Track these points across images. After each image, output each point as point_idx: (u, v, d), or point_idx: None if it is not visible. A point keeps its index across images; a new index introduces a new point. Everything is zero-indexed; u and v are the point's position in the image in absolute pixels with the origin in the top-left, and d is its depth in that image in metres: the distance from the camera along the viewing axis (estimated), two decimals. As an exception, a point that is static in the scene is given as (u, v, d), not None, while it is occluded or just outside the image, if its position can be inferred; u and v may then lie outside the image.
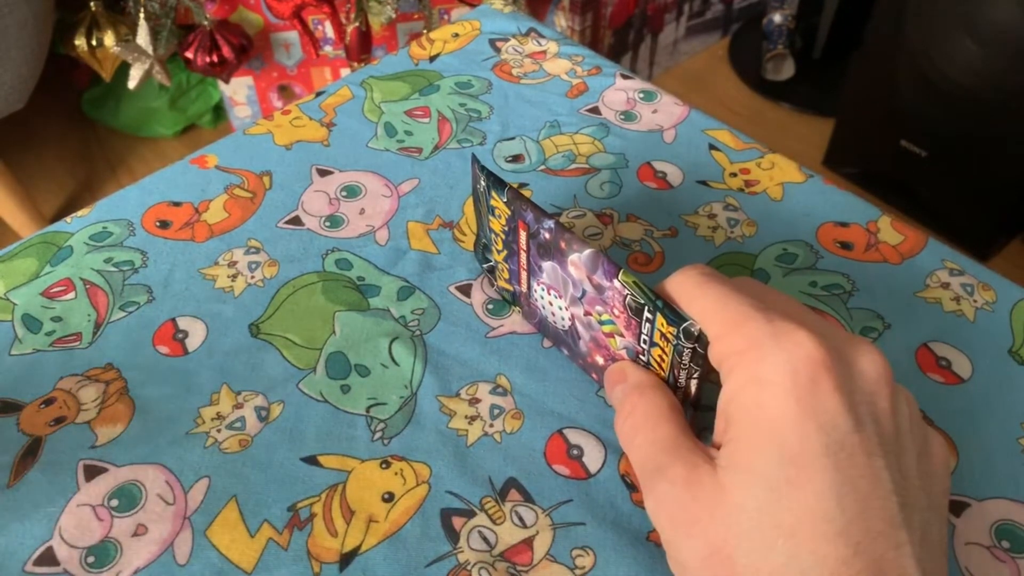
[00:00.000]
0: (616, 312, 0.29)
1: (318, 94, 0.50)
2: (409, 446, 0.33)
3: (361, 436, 0.33)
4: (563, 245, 0.30)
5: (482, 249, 0.37)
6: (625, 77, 0.50)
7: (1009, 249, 1.35)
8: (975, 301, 0.38)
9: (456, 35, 0.54)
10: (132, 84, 1.21)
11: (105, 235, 0.41)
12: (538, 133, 0.47)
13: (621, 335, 0.30)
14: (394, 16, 1.15)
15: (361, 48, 1.18)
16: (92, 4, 1.20)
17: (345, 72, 1.36)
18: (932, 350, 0.36)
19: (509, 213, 0.32)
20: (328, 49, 1.34)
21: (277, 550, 0.30)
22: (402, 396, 0.35)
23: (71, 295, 0.39)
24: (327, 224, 0.42)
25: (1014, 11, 1.06)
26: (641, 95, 0.49)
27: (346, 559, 0.30)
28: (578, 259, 0.29)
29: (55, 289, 0.39)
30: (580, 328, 0.32)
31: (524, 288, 0.35)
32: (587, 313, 0.31)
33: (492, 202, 0.33)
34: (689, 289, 0.27)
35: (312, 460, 0.33)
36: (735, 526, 0.23)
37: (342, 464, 0.33)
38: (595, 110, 0.48)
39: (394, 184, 0.44)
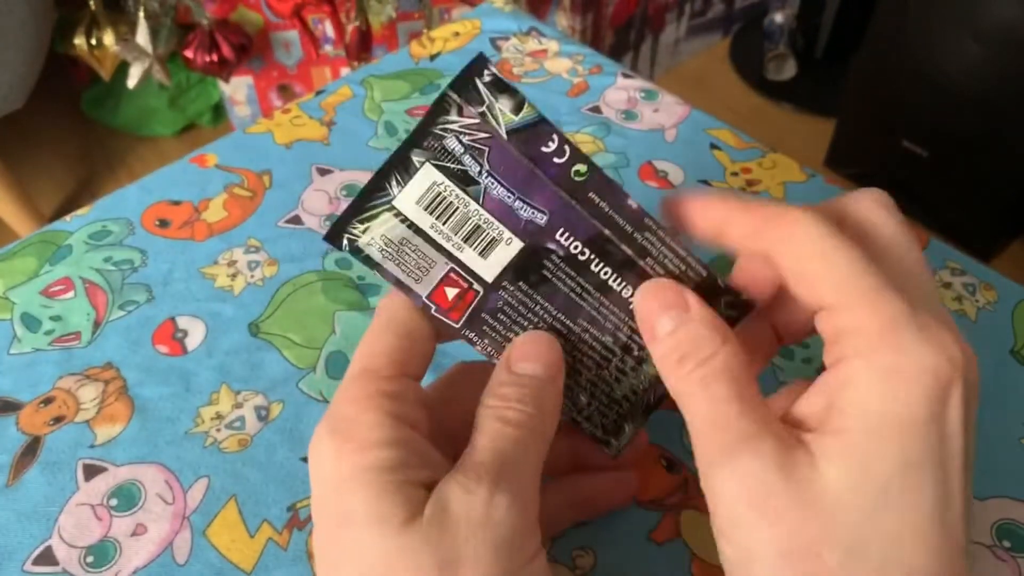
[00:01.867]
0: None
1: (318, 93, 0.50)
2: (409, 446, 0.33)
3: (361, 436, 0.33)
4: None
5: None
6: (626, 76, 0.50)
7: (1011, 250, 1.35)
8: (977, 301, 0.38)
9: (457, 34, 0.54)
10: (132, 83, 1.21)
11: (104, 234, 0.41)
12: (539, 132, 0.47)
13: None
14: (394, 15, 1.15)
15: (361, 47, 1.18)
16: (91, 3, 1.19)
17: (345, 71, 1.36)
18: (934, 350, 0.36)
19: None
20: (328, 48, 1.34)
21: (276, 550, 0.30)
22: (402, 396, 0.35)
23: (70, 294, 0.39)
24: (327, 223, 0.42)
25: (1016, 10, 1.06)
26: (642, 94, 0.49)
27: (346, 559, 0.30)
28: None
29: (54, 288, 0.39)
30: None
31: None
32: None
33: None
34: (814, 241, 0.23)
35: (312, 460, 0.33)
36: (834, 524, 0.21)
37: (342, 464, 0.32)
38: (596, 109, 0.48)
39: (394, 183, 0.44)
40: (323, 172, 0.45)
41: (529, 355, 0.25)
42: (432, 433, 0.25)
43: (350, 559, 0.22)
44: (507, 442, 0.24)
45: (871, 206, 0.25)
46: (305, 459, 0.33)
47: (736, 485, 0.22)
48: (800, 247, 0.23)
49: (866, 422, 0.21)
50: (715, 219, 0.25)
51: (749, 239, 0.25)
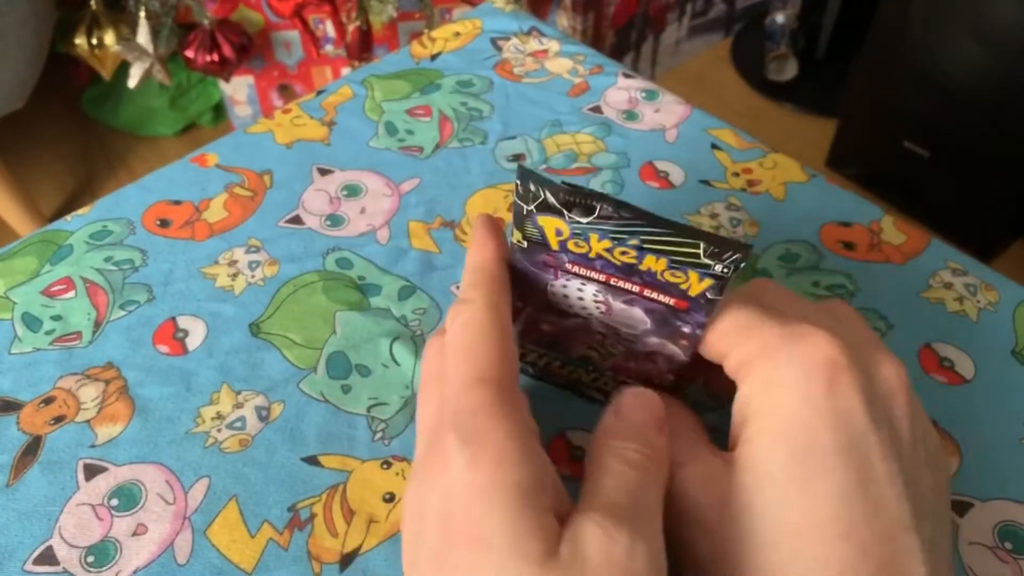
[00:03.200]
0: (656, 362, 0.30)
1: (319, 93, 0.50)
2: (410, 446, 0.33)
3: (362, 436, 0.33)
4: (684, 343, 0.28)
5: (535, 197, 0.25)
6: (627, 76, 0.50)
7: (1012, 250, 1.35)
8: (978, 301, 0.38)
9: (457, 34, 0.54)
10: (132, 83, 1.21)
11: (105, 234, 0.41)
12: (540, 132, 0.47)
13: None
14: (395, 15, 1.15)
15: (362, 47, 1.18)
16: (92, 3, 1.19)
17: (346, 71, 1.36)
18: (935, 350, 0.36)
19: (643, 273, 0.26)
20: (329, 48, 1.34)
21: (277, 550, 0.30)
22: (403, 396, 0.35)
23: (71, 294, 0.39)
24: (328, 223, 0.42)
25: (1017, 11, 1.06)
26: (643, 94, 0.49)
27: (347, 559, 0.30)
28: (667, 349, 0.28)
29: (55, 288, 0.39)
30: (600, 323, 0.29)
31: (557, 273, 0.27)
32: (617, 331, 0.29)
33: (622, 249, 0.25)
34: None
35: (313, 460, 0.33)
36: (742, 526, 0.23)
37: (343, 464, 0.32)
38: (597, 109, 0.48)
39: (395, 183, 0.44)
40: (324, 172, 0.45)
41: (636, 407, 0.26)
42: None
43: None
44: (634, 484, 0.23)
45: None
46: (305, 459, 0.33)
47: (669, 504, 0.25)
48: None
49: (758, 430, 0.24)
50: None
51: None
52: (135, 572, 0.29)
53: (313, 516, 0.31)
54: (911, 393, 0.25)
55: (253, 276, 0.39)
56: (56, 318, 0.38)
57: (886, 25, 1.23)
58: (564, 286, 0.28)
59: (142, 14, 1.15)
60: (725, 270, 0.24)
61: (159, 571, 0.29)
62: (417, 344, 0.36)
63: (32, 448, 0.33)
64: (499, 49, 0.53)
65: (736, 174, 0.44)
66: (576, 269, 0.27)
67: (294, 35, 1.33)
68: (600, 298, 0.27)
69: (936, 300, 0.38)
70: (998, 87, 1.12)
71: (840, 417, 0.22)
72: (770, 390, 0.24)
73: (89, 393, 0.35)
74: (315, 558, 0.30)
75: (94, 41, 1.21)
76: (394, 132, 0.47)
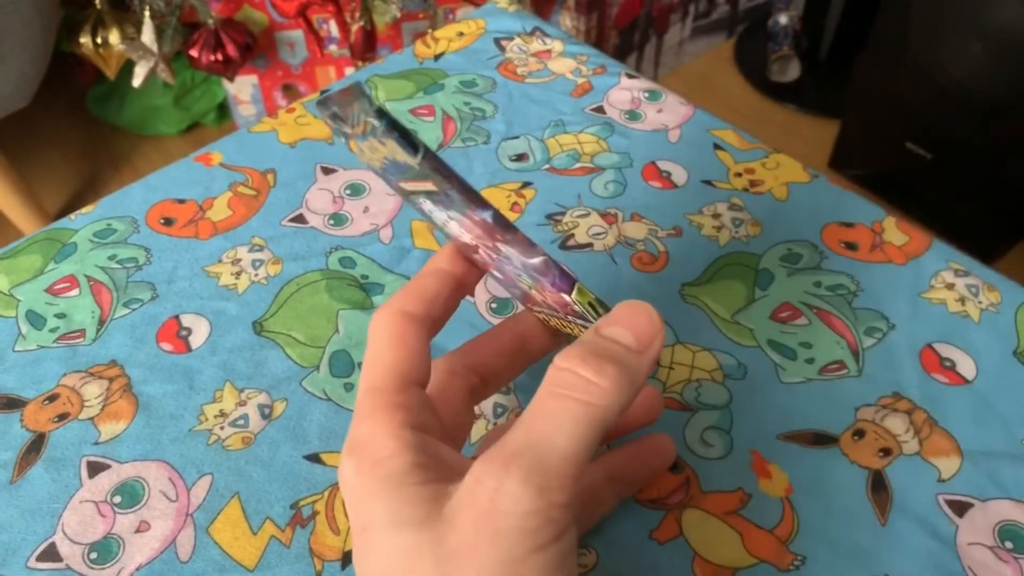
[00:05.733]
0: (548, 299, 0.26)
1: (322, 92, 0.50)
2: (412, 444, 0.33)
3: (364, 434, 0.33)
4: (498, 237, 0.24)
5: (331, 111, 0.23)
6: (630, 77, 0.50)
7: (1014, 252, 1.34)
8: (980, 302, 0.38)
9: (461, 34, 0.54)
10: (136, 82, 1.21)
11: (109, 232, 0.41)
12: (543, 132, 0.47)
13: (540, 295, 0.27)
14: (399, 15, 1.15)
15: (366, 47, 1.18)
16: (97, 2, 1.20)
17: (350, 71, 1.36)
18: (937, 351, 0.36)
19: (416, 170, 0.22)
20: (333, 48, 1.34)
21: (279, 548, 0.30)
22: (405, 394, 0.35)
23: (75, 292, 0.39)
24: (331, 222, 0.42)
25: (1019, 12, 1.05)
26: (646, 95, 0.49)
27: (348, 557, 0.30)
28: (516, 257, 0.25)
29: (59, 286, 0.39)
30: (483, 250, 0.27)
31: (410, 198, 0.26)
32: (505, 262, 0.26)
33: (379, 144, 0.22)
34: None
35: (315, 458, 0.33)
36: None
37: (345, 462, 0.33)
38: (600, 109, 0.48)
39: (398, 182, 0.44)
40: (327, 171, 0.45)
41: (621, 321, 0.23)
42: (446, 434, 0.25)
43: (366, 562, 0.22)
44: (547, 418, 0.21)
45: None
46: (307, 457, 0.33)
47: None
48: None
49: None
50: None
51: None
52: (138, 569, 0.30)
53: (315, 514, 0.31)
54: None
55: (256, 275, 0.39)
56: (60, 316, 0.38)
57: (888, 26, 1.23)
58: (428, 212, 0.25)
59: (147, 13, 1.15)
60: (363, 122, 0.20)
61: (161, 568, 0.30)
62: (419, 343, 0.36)
63: (36, 445, 0.33)
64: (502, 49, 0.53)
65: (738, 174, 0.44)
66: (404, 185, 0.24)
67: (298, 35, 1.33)
68: (441, 213, 0.24)
69: (938, 301, 0.38)
70: (1001, 89, 1.11)
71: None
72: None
73: (93, 391, 0.35)
74: (317, 555, 0.30)
75: (99, 40, 1.22)
76: (397, 132, 0.47)
